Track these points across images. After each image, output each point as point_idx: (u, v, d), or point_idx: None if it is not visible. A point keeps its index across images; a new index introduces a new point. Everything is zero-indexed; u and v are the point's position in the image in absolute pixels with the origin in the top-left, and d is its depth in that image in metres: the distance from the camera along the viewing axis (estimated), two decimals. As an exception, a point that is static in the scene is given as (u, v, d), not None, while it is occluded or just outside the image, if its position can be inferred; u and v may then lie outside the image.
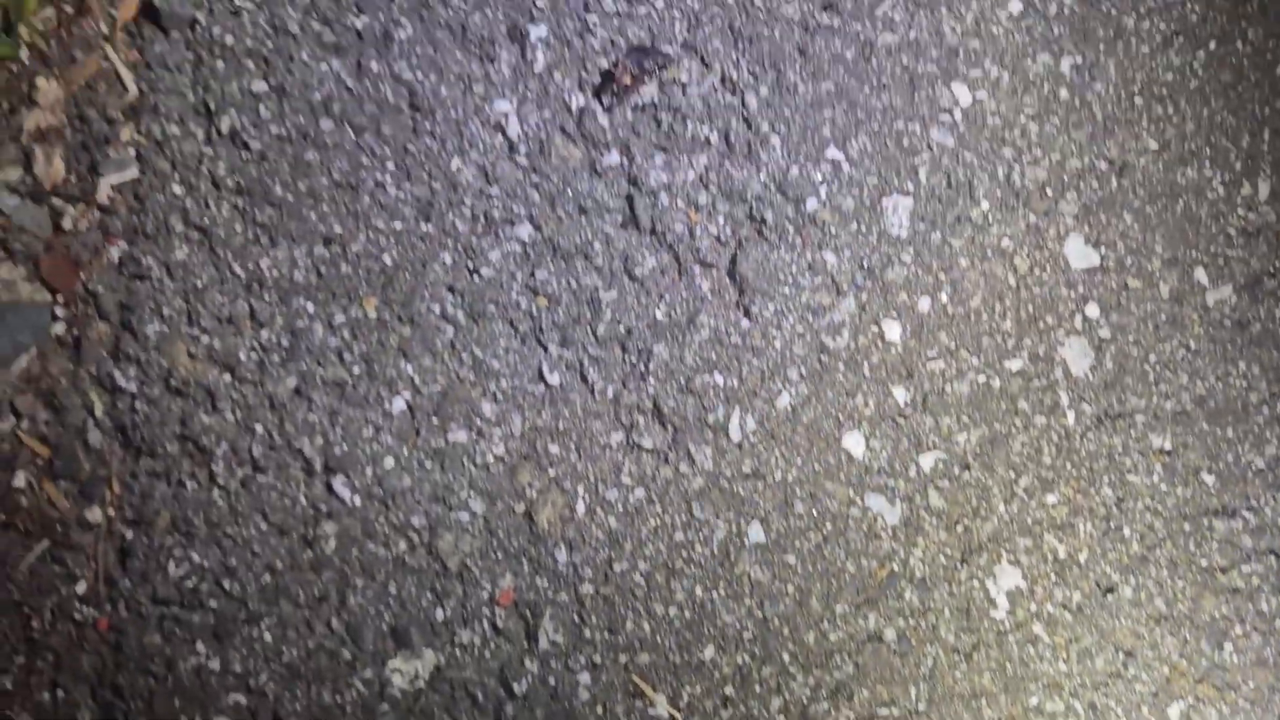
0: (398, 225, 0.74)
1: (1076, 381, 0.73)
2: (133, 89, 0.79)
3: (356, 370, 0.72)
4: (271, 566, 0.69)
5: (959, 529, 0.70)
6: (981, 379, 0.72)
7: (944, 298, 0.73)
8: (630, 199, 0.75)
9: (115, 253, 0.76)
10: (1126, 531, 0.72)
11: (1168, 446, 0.73)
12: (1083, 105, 0.79)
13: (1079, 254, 0.76)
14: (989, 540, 0.70)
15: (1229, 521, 0.72)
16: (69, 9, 0.80)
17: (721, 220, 0.75)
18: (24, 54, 0.79)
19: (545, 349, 0.73)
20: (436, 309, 0.73)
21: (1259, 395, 0.73)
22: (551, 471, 0.71)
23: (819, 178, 0.75)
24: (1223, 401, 0.73)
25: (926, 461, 0.71)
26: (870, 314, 0.73)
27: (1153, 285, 0.76)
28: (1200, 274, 0.77)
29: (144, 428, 0.72)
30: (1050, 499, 0.71)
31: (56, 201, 0.77)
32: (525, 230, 0.74)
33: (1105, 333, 0.74)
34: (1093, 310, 0.75)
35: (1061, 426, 0.72)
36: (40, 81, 0.78)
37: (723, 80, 0.77)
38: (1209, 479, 0.72)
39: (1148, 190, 0.78)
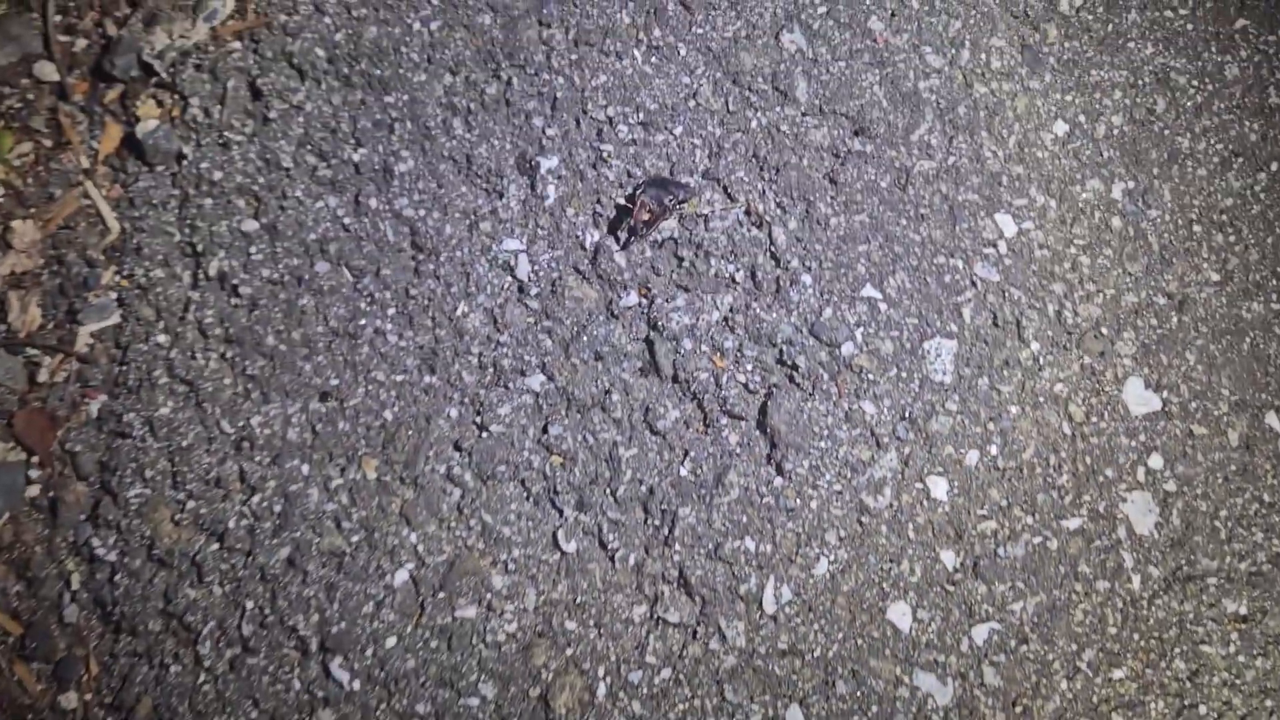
0: (399, 377, 0.79)
1: (1141, 541, 0.77)
2: (114, 228, 0.85)
3: (355, 539, 0.76)
4: (262, 761, 0.73)
5: (1017, 710, 0.74)
6: (1037, 540, 0.76)
7: (993, 450, 0.78)
8: (650, 344, 0.81)
9: (94, 407, 0.81)
10: (1202, 709, 0.76)
11: (1244, 612, 0.77)
12: (1137, 235, 0.85)
13: (1139, 398, 0.81)
14: (1054, 721, 0.73)
15: (1321, 697, 0.76)
16: (47, 142, 0.87)
17: (750, 367, 0.80)
18: (-1, 193, 0.84)
19: (560, 513, 0.77)
20: (442, 470, 0.78)
21: (1342, 554, 0.77)
22: (569, 650, 0.75)
23: (854, 319, 0.80)
24: (1303, 561, 0.77)
25: (980, 634, 0.75)
26: (914, 469, 0.77)
27: (1220, 432, 0.81)
28: (1272, 419, 0.82)
29: (124, 602, 0.76)
30: (1117, 674, 0.75)
31: (32, 351, 0.83)
32: (537, 380, 0.79)
33: (1171, 486, 0.78)
34: (1156, 461, 0.79)
35: (1127, 592, 0.76)
36: (15, 223, 0.84)
37: (748, 213, 0.83)
38: (1291, 649, 0.75)
39: (1211, 327, 0.83)
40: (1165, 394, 0.83)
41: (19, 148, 0.87)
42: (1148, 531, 0.80)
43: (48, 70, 0.89)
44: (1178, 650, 0.78)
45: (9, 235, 0.85)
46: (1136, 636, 0.78)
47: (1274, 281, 0.88)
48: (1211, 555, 0.80)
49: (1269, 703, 0.78)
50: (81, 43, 0.90)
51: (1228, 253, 0.88)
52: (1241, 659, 0.79)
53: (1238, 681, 0.78)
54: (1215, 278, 0.87)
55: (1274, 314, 0.87)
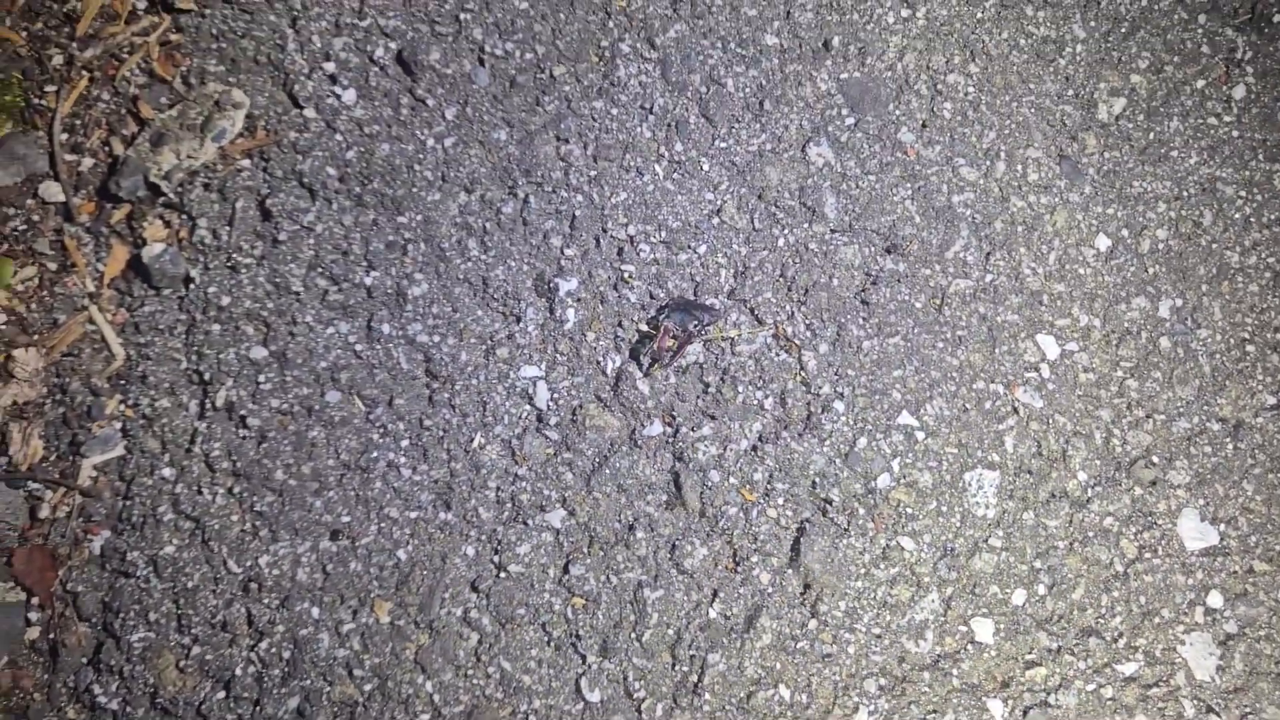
0: (413, 514, 0.83)
1: (1202, 687, 0.80)
2: (119, 355, 0.89)
3: (368, 687, 0.79)
4: None
5: None
6: (1090, 687, 0.79)
7: (1041, 590, 0.80)
8: (676, 476, 0.84)
9: (97, 544, 0.84)
10: None
11: (1314, 765, 0.77)
12: (1187, 356, 0.88)
13: (1195, 532, 0.83)
14: None
15: None
16: (51, 266, 0.91)
17: (781, 501, 0.82)
18: (0, 319, 0.88)
19: (583, 659, 0.80)
20: (458, 613, 0.80)
21: None
22: (593, 808, 0.76)
23: (890, 449, 0.83)
24: (1375, 709, 0.78)
25: (1030, 789, 0.77)
26: (957, 611, 0.79)
27: (1283, 568, 0.82)
28: (1338, 553, 0.83)
29: (124, 757, 0.78)
30: (1178, 834, 0.76)
31: (33, 485, 0.86)
32: (558, 516, 0.82)
33: (1232, 627, 0.81)
34: (1215, 600, 0.82)
35: (1186, 743, 0.78)
36: (18, 351, 0.88)
37: (776, 336, 0.86)
38: (1365, 805, 0.76)
39: (1269, 454, 0.86)
40: (1223, 527, 0.85)
41: (23, 272, 0.91)
42: (1209, 677, 0.82)
43: (53, 190, 0.93)
44: (1243, 807, 0.79)
45: (11, 365, 0.89)
46: (1198, 792, 0.80)
47: (1335, 405, 0.90)
48: (1277, 701, 0.82)
49: None
50: (88, 162, 0.95)
51: (1284, 374, 0.91)
52: (1312, 816, 0.80)
53: (1309, 841, 0.79)
54: (1272, 401, 0.89)
55: (1336, 440, 0.89)
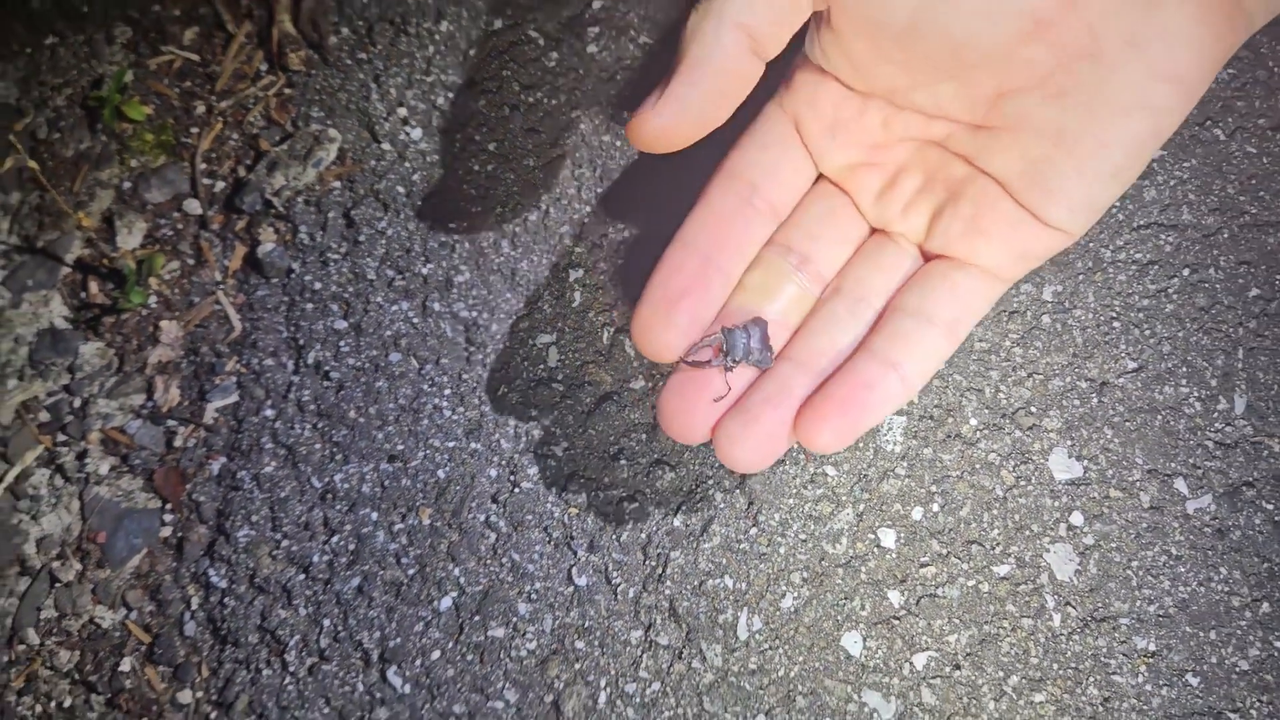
0: (451, 444, 0.95)
1: (1062, 586, 0.88)
2: (238, 327, 1.04)
3: (411, 572, 0.91)
4: (331, 747, 0.87)
5: (953, 726, 0.84)
6: (971, 583, 0.88)
7: (935, 508, 0.90)
8: (652, 420, 0.95)
9: (215, 467, 0.98)
10: (1114, 731, 0.85)
11: (1152, 649, 0.86)
12: (1064, 330, 0.97)
13: (1063, 466, 0.92)
14: (979, 737, 0.83)
15: (1227, 725, 0.84)
16: (190, 261, 1.07)
17: (733, 438, 0.93)
18: (152, 300, 1.04)
19: (575, 554, 0.91)
20: (482, 518, 0.93)
21: (1241, 600, 0.87)
22: (577, 665, 0.88)
23: (820, 399, 0.93)
24: (1205, 606, 0.87)
25: (920, 660, 0.86)
26: (867, 523, 0.90)
27: (1134, 495, 0.91)
28: (1180, 484, 0.92)
29: (230, 620, 0.92)
30: (1038, 697, 0.85)
31: (170, 423, 1.00)
32: (561, 448, 0.95)
33: (1089, 540, 0.89)
34: (1077, 519, 0.90)
35: (1048, 629, 0.87)
36: (163, 323, 1.03)
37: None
38: (1194, 681, 0.85)
39: (1127, 406, 0.94)
40: (1086, 463, 0.94)
41: (169, 265, 1.08)
42: (1068, 579, 0.91)
43: (193, 206, 1.10)
44: (1092, 679, 0.88)
45: (158, 333, 1.05)
46: (1056, 666, 0.88)
47: (1184, 369, 0.99)
48: (1123, 599, 0.90)
49: (1173, 727, 0.87)
50: (220, 184, 1.11)
51: (1143, 345, 1.00)
52: (1149, 688, 0.88)
53: (1145, 708, 0.87)
54: (1132, 365, 0.98)
55: (1183, 397, 0.98)
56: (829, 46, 0.60)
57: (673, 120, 0.59)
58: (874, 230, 0.69)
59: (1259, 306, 1.02)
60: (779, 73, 0.66)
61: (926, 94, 0.60)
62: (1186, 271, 1.02)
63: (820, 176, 0.70)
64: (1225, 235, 1.04)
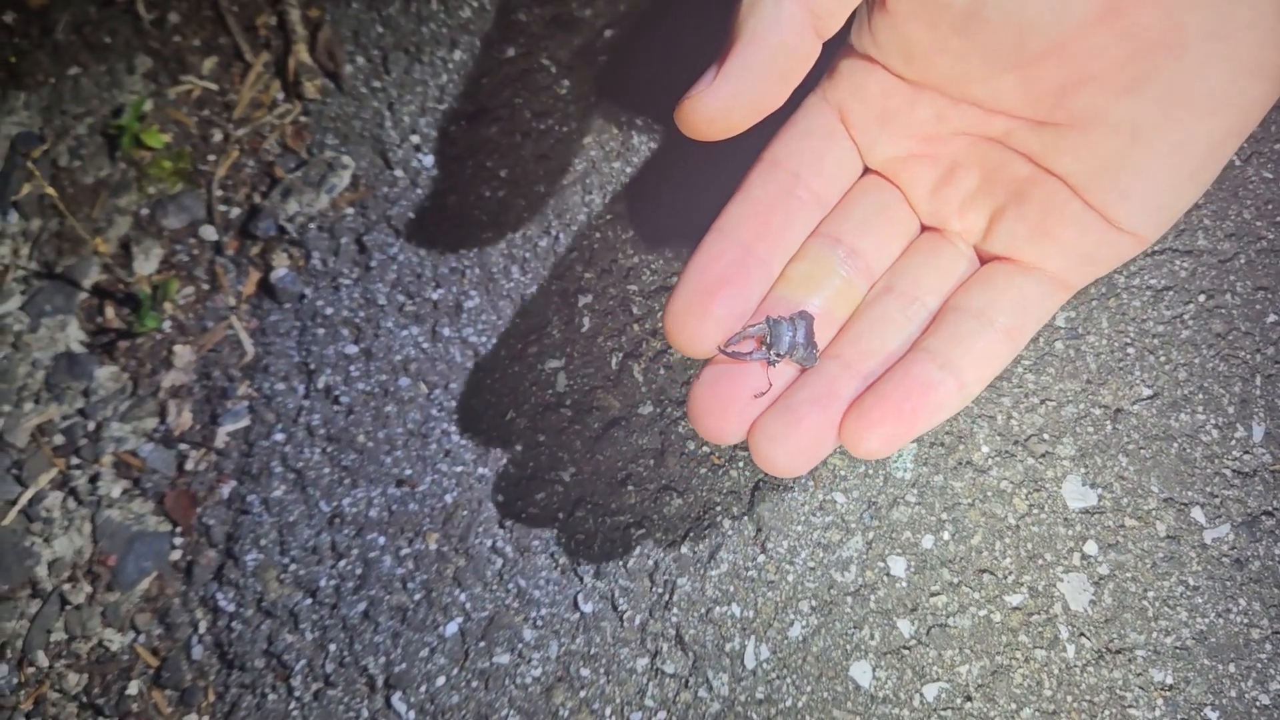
0: (459, 469, 0.95)
1: (1076, 616, 0.86)
2: (250, 352, 1.04)
3: (417, 597, 0.91)
4: (334, 773, 0.87)
5: (964, 759, 0.82)
6: (982, 613, 0.86)
7: (946, 536, 0.89)
8: (661, 445, 0.95)
9: (225, 490, 0.98)
10: (1129, 766, 0.83)
11: (1170, 681, 0.84)
12: (1077, 356, 0.96)
13: (1076, 494, 0.91)
14: (991, 771, 0.82)
15: (1249, 762, 0.82)
16: (205, 286, 1.07)
17: (741, 464, 0.93)
18: (166, 325, 1.05)
19: (581, 580, 0.91)
20: (489, 543, 0.92)
21: (1260, 631, 0.85)
22: (582, 693, 0.87)
23: (829, 425, 0.92)
24: (1224, 638, 0.85)
25: (930, 692, 0.85)
26: (876, 551, 0.88)
27: (1150, 524, 0.89)
28: (1197, 513, 0.90)
29: (237, 645, 0.92)
30: (1052, 731, 0.83)
31: (182, 447, 1.01)
32: (568, 473, 0.94)
33: (1104, 570, 0.87)
34: (1091, 548, 0.89)
35: (1062, 660, 0.85)
36: (177, 347, 1.04)
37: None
38: (1213, 715, 0.83)
39: (1142, 433, 0.93)
40: (1100, 491, 0.92)
41: (184, 290, 1.08)
42: (1082, 609, 0.89)
43: (209, 232, 1.11)
44: (1108, 713, 0.86)
45: (171, 357, 1.05)
46: (1070, 699, 0.86)
47: (1200, 396, 0.97)
48: (1139, 630, 0.88)
49: (1191, 762, 0.85)
50: (235, 211, 1.12)
51: (1158, 371, 0.98)
52: (1166, 722, 0.86)
53: (1163, 742, 0.85)
54: (1147, 392, 0.97)
55: (1199, 424, 0.96)
56: (881, 31, 0.57)
57: (728, 103, 0.54)
58: (925, 228, 0.65)
59: (1277, 333, 1.00)
60: (818, 68, 0.63)
61: (986, 86, 0.57)
62: (1202, 297, 1.01)
63: (866, 171, 0.65)
64: (1242, 260, 1.03)
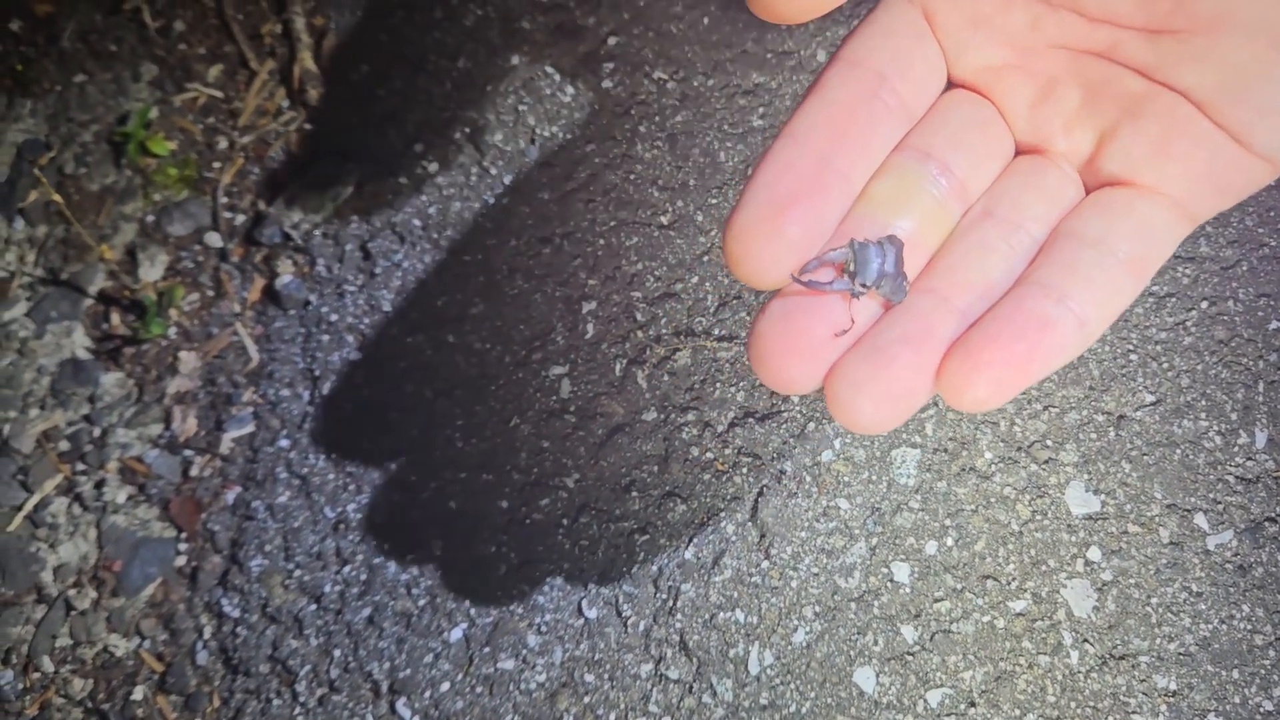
0: (462, 475, 0.95)
1: (1079, 622, 0.86)
2: (255, 358, 1.05)
3: (422, 602, 0.91)
4: (339, 778, 0.87)
5: (968, 765, 0.82)
6: (986, 619, 0.86)
7: (949, 542, 0.89)
8: (665, 451, 0.95)
9: (230, 496, 0.99)
10: (1133, 772, 0.83)
11: (1173, 687, 0.84)
12: (1079, 362, 0.96)
13: (1080, 500, 0.91)
14: (993, 777, 0.82)
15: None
16: (210, 293, 1.08)
17: (745, 470, 0.93)
18: (172, 331, 1.05)
19: (585, 585, 0.91)
20: (492, 549, 0.93)
21: (1264, 638, 0.85)
22: (586, 699, 0.87)
23: (833, 431, 0.93)
24: (1227, 644, 0.85)
25: (934, 698, 0.85)
26: (880, 557, 0.89)
27: (1153, 530, 0.90)
28: (1200, 519, 0.90)
29: (242, 650, 0.92)
30: (1055, 737, 0.83)
31: (187, 453, 1.01)
32: (572, 479, 0.95)
33: (1108, 576, 0.88)
34: (1095, 554, 0.89)
35: (1065, 666, 0.85)
36: (182, 354, 1.05)
37: (748, 347, 0.97)
38: (1216, 722, 0.83)
39: (1145, 440, 0.93)
40: (1103, 497, 0.93)
41: (189, 296, 1.09)
42: (1085, 615, 0.89)
43: (214, 239, 1.11)
44: (1111, 719, 0.86)
45: (177, 363, 1.06)
46: (1074, 705, 0.86)
47: (1203, 403, 0.97)
48: (1143, 636, 0.89)
49: (1195, 768, 0.85)
50: (240, 218, 1.13)
51: (1161, 378, 0.98)
52: (1170, 728, 0.86)
53: (1166, 748, 0.86)
54: (1150, 399, 0.97)
55: (1202, 430, 0.96)
56: None
57: None
58: (1020, 150, 0.57)
59: (1279, 339, 1.00)
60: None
61: None
62: (1205, 304, 1.01)
63: (951, 84, 0.58)
64: (1244, 267, 1.03)
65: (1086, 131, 0.54)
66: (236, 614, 0.94)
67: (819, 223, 0.49)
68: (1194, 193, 0.51)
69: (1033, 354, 0.47)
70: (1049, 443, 0.95)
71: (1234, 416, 0.96)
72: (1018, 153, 0.57)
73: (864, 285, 0.47)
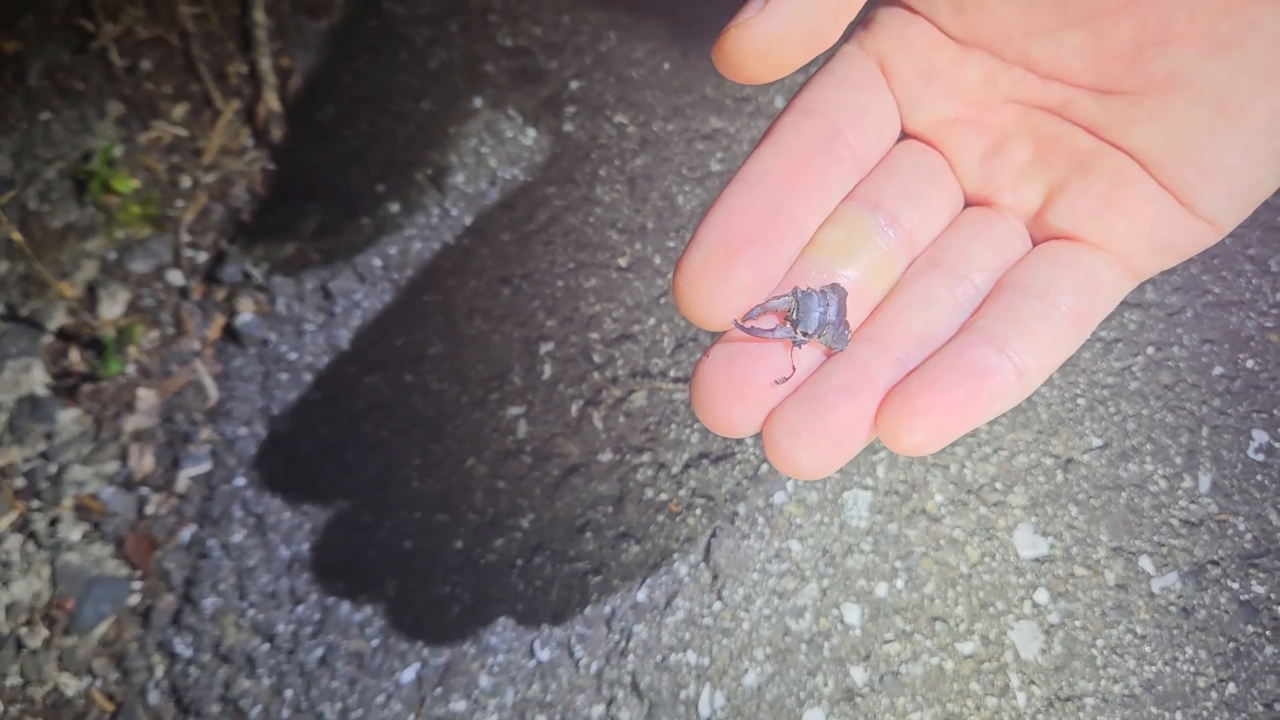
0: (418, 515, 0.96)
1: (1026, 664, 0.87)
2: (213, 396, 1.05)
3: (374, 643, 0.91)
4: (286, 821, 0.87)
5: (915, 807, 0.83)
6: (935, 661, 0.87)
7: (899, 584, 0.90)
8: (620, 492, 0.96)
9: (186, 534, 0.99)
10: (1078, 814, 0.84)
11: (1117, 730, 0.85)
12: (1028, 406, 0.98)
13: (1028, 543, 0.92)
14: (936, 819, 0.83)
15: (1187, 809, 0.83)
16: (170, 330, 1.08)
17: (699, 512, 0.94)
18: (130, 369, 1.06)
19: (538, 627, 0.91)
20: (446, 590, 0.93)
21: (1207, 680, 0.86)
22: (537, 740, 0.88)
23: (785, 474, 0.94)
24: (1171, 686, 0.87)
25: (882, 739, 0.86)
26: (831, 599, 0.90)
27: (1099, 573, 0.91)
28: (1145, 562, 0.92)
29: (194, 690, 0.92)
30: (1001, 779, 0.84)
31: (143, 490, 1.01)
32: (527, 519, 0.95)
33: (1054, 618, 0.89)
34: (1042, 596, 0.90)
35: (1012, 708, 0.86)
36: (141, 391, 1.05)
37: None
38: (1159, 764, 0.84)
39: (1092, 483, 0.95)
40: (1051, 540, 0.94)
41: (149, 334, 1.10)
42: (1032, 657, 0.91)
43: (176, 277, 1.12)
44: (1057, 761, 0.87)
45: (135, 401, 1.06)
46: (1020, 747, 0.88)
47: (1149, 447, 0.99)
48: (1089, 678, 0.90)
49: (1139, 811, 0.86)
50: (202, 256, 1.14)
51: (1108, 422, 1.00)
52: (1114, 771, 0.87)
53: (1111, 791, 0.87)
54: (1097, 442, 0.99)
55: (1147, 474, 0.98)
56: None
57: (785, 27, 0.46)
58: (970, 202, 0.58)
59: (1223, 385, 1.02)
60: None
61: (1045, 45, 0.50)
62: (1151, 349, 1.04)
63: (905, 135, 0.58)
64: (1189, 314, 1.06)
65: (1035, 186, 0.55)
66: (189, 653, 0.94)
67: (769, 266, 0.49)
68: (1138, 251, 0.52)
69: (971, 401, 0.47)
70: (998, 485, 0.97)
71: (1178, 460, 0.99)
72: (967, 204, 0.58)
73: (805, 334, 0.48)
